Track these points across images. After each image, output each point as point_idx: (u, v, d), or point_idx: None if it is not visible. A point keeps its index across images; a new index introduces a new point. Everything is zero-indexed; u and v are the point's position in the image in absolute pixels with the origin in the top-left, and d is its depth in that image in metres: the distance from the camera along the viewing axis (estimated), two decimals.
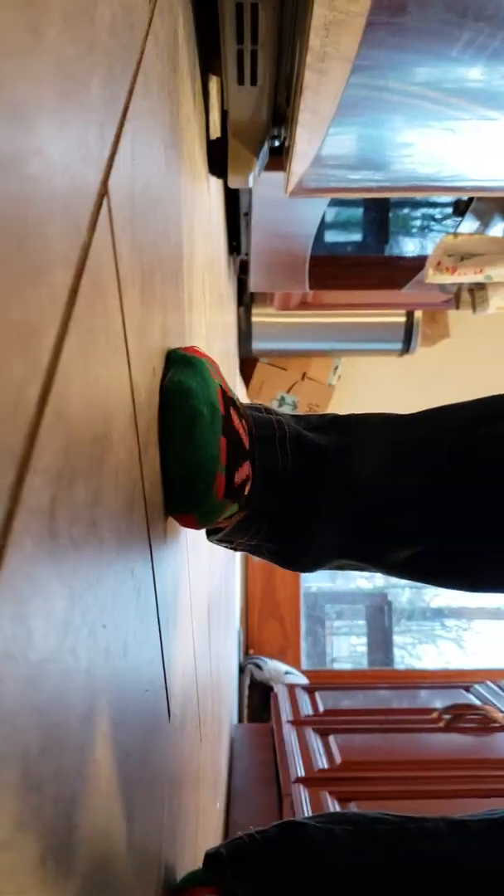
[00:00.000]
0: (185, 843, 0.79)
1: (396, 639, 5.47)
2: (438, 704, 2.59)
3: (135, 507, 0.47)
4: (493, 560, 0.75)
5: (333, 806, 1.84)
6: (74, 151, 0.33)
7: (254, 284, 2.68)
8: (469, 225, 2.23)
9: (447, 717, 2.45)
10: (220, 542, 0.80)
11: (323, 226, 2.32)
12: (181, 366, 0.68)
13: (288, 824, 0.81)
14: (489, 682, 2.85)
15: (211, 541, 0.81)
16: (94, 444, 0.36)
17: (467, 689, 2.84)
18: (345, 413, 0.85)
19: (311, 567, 0.82)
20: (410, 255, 2.55)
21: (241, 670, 3.50)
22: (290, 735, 2.33)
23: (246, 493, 0.73)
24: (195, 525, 0.71)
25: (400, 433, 0.80)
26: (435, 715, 2.48)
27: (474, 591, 0.84)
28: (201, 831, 1.01)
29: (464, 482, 0.74)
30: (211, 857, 0.78)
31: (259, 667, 3.55)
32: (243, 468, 0.71)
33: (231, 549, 0.82)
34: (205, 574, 1.14)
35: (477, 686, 2.83)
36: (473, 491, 0.73)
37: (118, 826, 0.40)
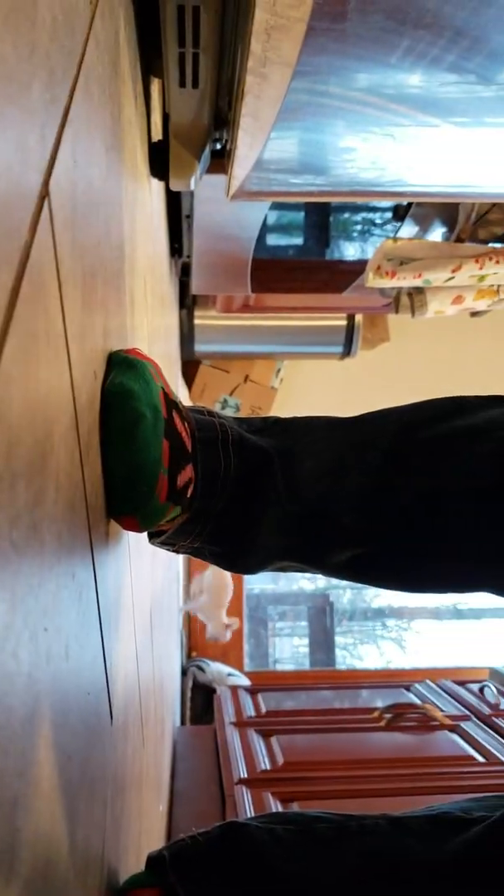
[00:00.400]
0: (128, 845, 0.79)
1: (338, 639, 5.52)
2: (379, 704, 2.61)
3: (76, 510, 0.47)
4: (432, 561, 0.76)
5: (276, 806, 1.85)
6: (15, 154, 0.33)
7: (196, 287, 2.68)
8: (409, 230, 2.26)
9: (388, 716, 2.47)
10: (162, 544, 0.80)
11: (265, 229, 2.33)
12: (123, 368, 0.68)
13: (230, 825, 0.81)
14: (429, 681, 2.89)
15: (153, 543, 0.81)
16: (35, 446, 0.36)
17: (407, 688, 2.87)
18: (288, 416, 0.85)
19: (253, 569, 0.83)
20: (351, 259, 2.58)
21: (184, 672, 3.49)
22: (232, 736, 2.33)
23: (188, 495, 0.73)
24: (137, 528, 0.71)
25: (342, 436, 0.80)
26: (376, 714, 2.50)
27: (414, 591, 0.85)
28: (144, 833, 1.01)
29: (403, 484, 0.74)
30: (153, 859, 0.78)
31: (202, 669, 3.54)
32: (186, 471, 0.71)
33: (173, 551, 0.82)
34: (147, 577, 1.14)
35: (417, 685, 2.86)
36: (413, 493, 0.74)
37: (60, 829, 0.40)
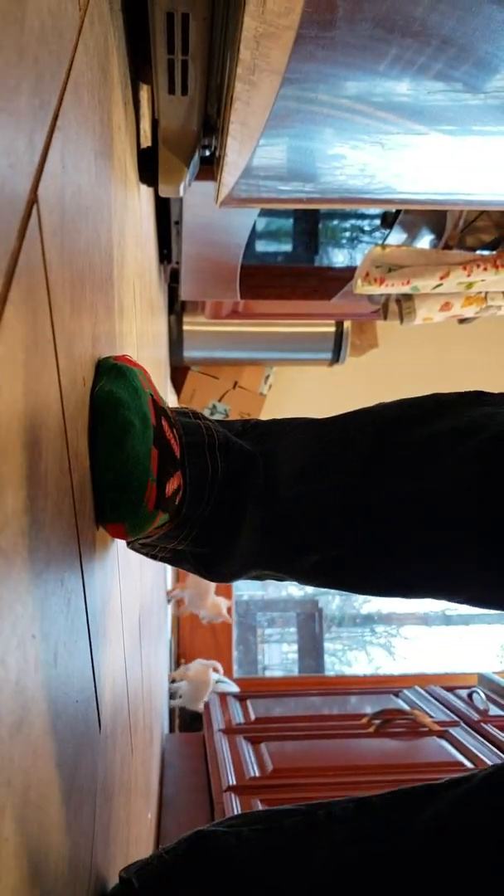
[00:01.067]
0: (117, 854, 0.78)
1: (327, 645, 5.51)
2: (368, 710, 2.61)
3: (65, 517, 0.47)
4: (414, 565, 0.74)
5: None
6: (3, 159, 0.33)
7: (185, 293, 2.68)
8: (397, 237, 2.26)
9: (377, 722, 2.47)
10: (143, 546, 0.80)
11: (254, 235, 2.33)
12: (112, 375, 0.67)
13: (196, 835, 0.79)
14: (417, 687, 2.89)
15: (130, 547, 0.80)
16: (24, 453, 0.35)
17: (396, 694, 2.87)
18: (267, 418, 0.85)
19: (232, 575, 0.82)
20: (340, 265, 2.59)
21: (173, 680, 3.48)
22: (221, 743, 2.32)
23: (177, 502, 0.73)
24: (125, 535, 0.71)
25: (322, 437, 0.80)
26: (365, 720, 2.50)
27: (393, 595, 0.82)
28: (133, 841, 1.01)
29: (385, 485, 0.73)
30: (124, 882, 0.76)
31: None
32: (174, 478, 0.71)
33: (150, 556, 0.82)
34: (136, 584, 1.13)
35: (406, 691, 2.87)
36: (395, 494, 0.73)
37: (48, 837, 0.40)
